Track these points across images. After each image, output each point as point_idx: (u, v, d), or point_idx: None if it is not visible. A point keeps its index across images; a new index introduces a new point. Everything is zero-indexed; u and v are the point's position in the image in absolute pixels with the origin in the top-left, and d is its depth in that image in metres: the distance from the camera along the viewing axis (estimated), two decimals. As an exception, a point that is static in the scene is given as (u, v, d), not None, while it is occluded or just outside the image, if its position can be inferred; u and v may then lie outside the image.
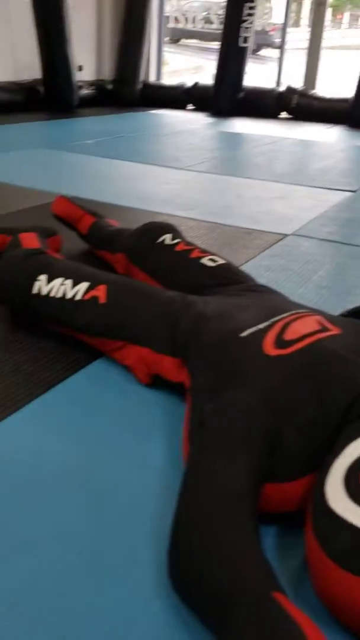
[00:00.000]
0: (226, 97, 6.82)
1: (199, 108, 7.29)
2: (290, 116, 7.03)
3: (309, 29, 7.50)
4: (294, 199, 3.14)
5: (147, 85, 7.51)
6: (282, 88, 7.07)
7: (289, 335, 1.05)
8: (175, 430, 1.17)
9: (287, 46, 7.94)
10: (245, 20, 6.26)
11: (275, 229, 2.55)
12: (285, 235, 2.46)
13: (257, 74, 8.38)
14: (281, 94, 6.94)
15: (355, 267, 2.18)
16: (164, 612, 0.80)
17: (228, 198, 3.11)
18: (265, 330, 1.07)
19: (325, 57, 7.57)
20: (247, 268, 2.03)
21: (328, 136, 5.72)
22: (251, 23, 6.30)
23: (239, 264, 2.07)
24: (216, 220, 2.65)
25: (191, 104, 7.44)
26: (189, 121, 6.40)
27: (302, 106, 6.78)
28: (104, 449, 1.12)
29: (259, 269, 2.04)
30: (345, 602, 0.74)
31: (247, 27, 6.28)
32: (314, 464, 0.88)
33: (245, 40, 6.35)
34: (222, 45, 6.66)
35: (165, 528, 0.92)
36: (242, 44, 6.37)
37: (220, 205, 2.95)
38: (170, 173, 3.66)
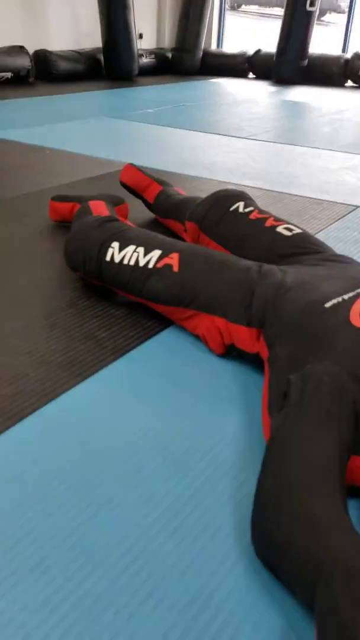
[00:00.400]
0: (289, 65, 6.61)
1: (260, 76, 7.11)
2: (356, 85, 6.77)
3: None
4: (363, 169, 3.03)
5: (207, 54, 7.36)
6: (348, 55, 6.80)
7: (375, 306, 1.01)
8: (249, 399, 1.16)
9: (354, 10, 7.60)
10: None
11: (345, 200, 2.47)
12: (357, 207, 2.38)
13: (321, 41, 8.08)
14: (348, 61, 6.68)
15: None
16: (246, 576, 0.80)
17: (295, 168, 3.02)
18: (350, 301, 1.03)
19: None
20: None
21: None
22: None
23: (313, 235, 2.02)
24: (284, 190, 2.58)
25: (252, 73, 7.26)
26: (251, 90, 6.25)
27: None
28: (179, 415, 1.12)
29: (330, 240, 1.97)
30: None
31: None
32: None
33: (313, 3, 6.10)
34: (287, 10, 6.44)
35: (244, 495, 0.92)
36: (309, 8, 6.12)
37: (287, 175, 2.88)
38: (234, 142, 3.59)
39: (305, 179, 2.80)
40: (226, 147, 3.44)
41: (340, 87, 6.70)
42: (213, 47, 7.98)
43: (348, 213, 2.31)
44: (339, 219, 2.24)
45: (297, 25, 6.32)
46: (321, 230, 2.11)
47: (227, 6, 8.47)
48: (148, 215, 2.12)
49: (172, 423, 1.10)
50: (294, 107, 5.31)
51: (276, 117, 4.72)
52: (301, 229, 1.48)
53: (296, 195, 2.52)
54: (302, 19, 6.26)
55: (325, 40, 8.42)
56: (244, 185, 2.59)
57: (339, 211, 2.32)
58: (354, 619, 0.61)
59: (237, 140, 3.64)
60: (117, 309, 1.49)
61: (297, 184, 2.71)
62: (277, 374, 1.01)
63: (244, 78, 7.21)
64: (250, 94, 5.89)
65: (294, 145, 3.59)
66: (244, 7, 18.16)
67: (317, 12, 6.45)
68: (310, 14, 6.22)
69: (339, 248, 1.92)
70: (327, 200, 2.45)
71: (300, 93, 6.08)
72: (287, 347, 1.04)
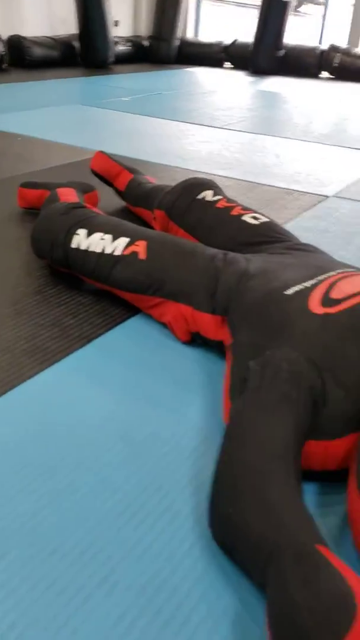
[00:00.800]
0: (266, 55, 6.62)
1: (237, 66, 7.10)
2: (332, 76, 6.80)
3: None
4: (335, 160, 3.05)
5: (184, 42, 7.32)
6: (324, 46, 6.83)
7: (335, 294, 1.02)
8: (213, 386, 1.17)
9: (331, 1, 7.64)
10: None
11: (316, 190, 2.48)
12: (327, 197, 2.40)
13: (298, 32, 8.09)
14: (323, 52, 6.71)
15: None
16: (203, 559, 0.81)
17: (267, 158, 3.03)
18: (311, 289, 1.05)
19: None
20: (287, 229, 1.98)
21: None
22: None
23: (279, 224, 2.03)
24: (255, 180, 2.59)
25: (229, 62, 7.25)
26: (227, 79, 6.24)
27: (346, 65, 6.55)
28: (142, 401, 1.12)
29: (300, 230, 1.98)
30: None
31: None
32: (358, 423, 0.86)
33: (288, -6, 6.11)
34: (264, 0, 6.43)
35: (203, 480, 0.93)
36: (284, -1, 6.13)
37: (259, 164, 2.89)
38: (208, 131, 3.58)
39: (277, 169, 2.82)
40: (200, 137, 3.43)
41: (315, 78, 6.72)
42: (190, 36, 7.94)
43: (318, 203, 2.32)
44: (309, 208, 2.25)
45: (273, 16, 6.33)
46: (291, 219, 2.13)
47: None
48: (119, 203, 2.11)
49: (135, 410, 1.10)
50: (269, 97, 5.31)
51: (251, 107, 4.73)
52: (267, 218, 1.49)
53: (267, 185, 2.53)
54: (278, 10, 6.27)
55: (302, 31, 8.44)
56: (216, 175, 2.59)
57: (309, 201, 2.34)
58: (303, 599, 0.62)
59: (211, 130, 3.64)
60: (84, 297, 1.48)
61: (269, 173, 2.72)
62: (238, 360, 1.02)
63: (220, 67, 7.20)
64: (226, 84, 5.88)
65: (268, 135, 3.60)
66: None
67: (295, 3, 6.45)
68: (285, 5, 6.23)
69: (308, 238, 1.92)
70: (297, 190, 2.47)
71: (276, 83, 6.09)
72: (249, 333, 1.05)
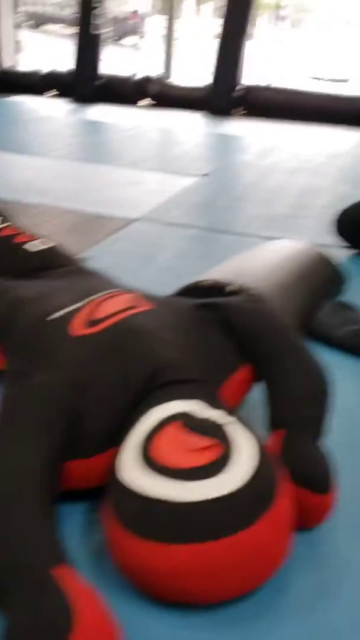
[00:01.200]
0: (84, 84, 6.73)
1: (59, 95, 7.13)
2: (153, 103, 7.07)
3: (166, 18, 7.57)
4: (145, 184, 3.17)
5: (2, 71, 7.22)
6: (141, 75, 7.09)
7: (98, 314, 1.05)
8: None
9: (154, 34, 7.97)
10: (95, 7, 6.20)
11: (123, 213, 2.56)
12: (133, 220, 2.48)
13: (121, 62, 8.37)
14: (139, 81, 6.97)
15: (197, 249, 2.25)
16: None
17: (81, 184, 3.08)
18: (75, 311, 1.07)
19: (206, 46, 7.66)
20: (93, 252, 2.03)
21: (185, 123, 5.82)
22: (102, 10, 6.27)
23: (85, 248, 2.06)
24: (66, 206, 2.61)
25: (52, 91, 7.26)
26: (48, 108, 6.24)
27: (161, 94, 6.87)
28: None
29: (104, 253, 2.04)
30: (136, 566, 0.76)
31: (98, 14, 6.24)
32: (116, 438, 0.89)
33: (97, 27, 6.31)
34: (79, 32, 6.56)
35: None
36: (94, 31, 6.33)
37: (72, 191, 2.92)
38: (23, 160, 3.55)
39: (89, 194, 2.86)
40: (14, 165, 3.39)
41: (134, 106, 6.95)
42: (8, 64, 7.84)
43: (124, 226, 2.39)
44: (115, 232, 2.32)
45: (86, 47, 6.48)
46: (97, 243, 2.17)
47: (27, 24, 8.39)
48: None
49: None
50: (88, 125, 5.40)
51: (70, 134, 4.77)
52: (53, 243, 1.50)
53: (78, 211, 2.56)
54: (90, 41, 6.44)
55: (125, 61, 8.73)
56: (27, 203, 2.57)
57: (116, 224, 2.40)
58: (26, 621, 0.64)
59: (26, 158, 3.60)
60: None
61: (81, 199, 2.76)
62: (6, 388, 1.01)
63: (41, 96, 7.18)
64: (46, 113, 5.88)
65: (84, 162, 3.65)
66: (49, 26, 18.11)
67: (114, 36, 6.64)
68: (97, 36, 6.42)
69: (111, 260, 1.98)
70: (106, 215, 2.52)
71: (97, 111, 6.21)
72: (17, 361, 1.05)
